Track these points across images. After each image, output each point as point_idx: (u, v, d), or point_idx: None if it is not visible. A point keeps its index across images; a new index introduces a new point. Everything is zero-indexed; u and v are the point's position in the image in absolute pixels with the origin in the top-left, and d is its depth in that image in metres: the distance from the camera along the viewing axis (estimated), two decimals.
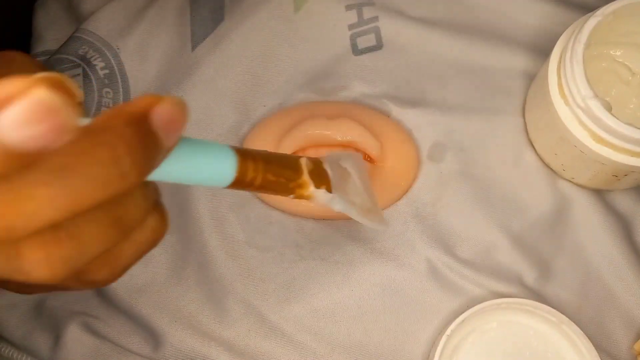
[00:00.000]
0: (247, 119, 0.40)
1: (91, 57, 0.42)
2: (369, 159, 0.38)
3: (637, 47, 0.37)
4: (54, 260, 0.17)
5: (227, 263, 0.37)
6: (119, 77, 0.42)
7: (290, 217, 0.38)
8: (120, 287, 0.37)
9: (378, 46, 0.41)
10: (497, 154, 0.38)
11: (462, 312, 0.34)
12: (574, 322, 0.34)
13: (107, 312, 0.38)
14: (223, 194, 0.39)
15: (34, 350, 0.37)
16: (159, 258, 0.38)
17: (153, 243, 0.22)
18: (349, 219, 0.38)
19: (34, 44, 0.45)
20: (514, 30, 0.41)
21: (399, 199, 0.38)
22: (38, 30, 0.45)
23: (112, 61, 0.42)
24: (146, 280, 0.38)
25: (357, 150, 0.37)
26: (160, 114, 0.18)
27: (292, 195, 0.27)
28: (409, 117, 0.39)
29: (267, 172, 0.25)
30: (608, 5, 0.33)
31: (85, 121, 0.17)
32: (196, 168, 0.21)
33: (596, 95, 0.31)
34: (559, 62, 0.34)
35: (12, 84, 0.15)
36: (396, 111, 0.39)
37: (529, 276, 0.36)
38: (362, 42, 0.41)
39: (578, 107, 0.32)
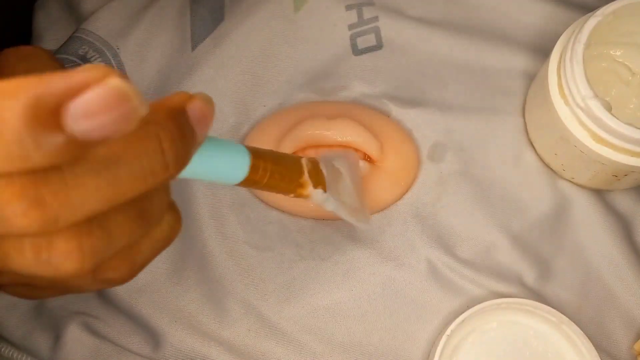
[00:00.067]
0: (247, 119, 0.40)
1: (91, 57, 0.42)
2: (368, 159, 0.38)
3: (637, 47, 0.37)
4: (85, 250, 0.18)
5: (227, 263, 0.37)
6: None
7: (290, 217, 0.38)
8: (120, 287, 0.37)
9: (378, 46, 0.41)
10: (497, 154, 0.38)
11: (462, 312, 0.34)
12: (574, 322, 0.34)
13: (107, 312, 0.38)
14: (223, 194, 0.39)
15: (34, 350, 0.37)
16: (159, 258, 0.38)
17: (169, 240, 0.22)
18: None
19: (34, 44, 0.45)
20: (514, 30, 0.41)
21: (399, 199, 0.38)
22: (38, 30, 0.45)
23: (112, 61, 0.42)
24: (146, 280, 0.38)
25: (357, 150, 0.37)
26: (194, 109, 0.19)
27: (292, 195, 0.28)
28: (409, 117, 0.39)
29: (274, 172, 0.26)
30: (608, 5, 0.33)
31: None
32: (214, 165, 0.22)
33: (596, 95, 0.31)
34: (559, 62, 0.34)
35: (85, 73, 0.15)
36: (396, 111, 0.39)
37: (529, 276, 0.36)
38: (362, 42, 0.41)
39: (578, 107, 0.32)
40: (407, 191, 0.38)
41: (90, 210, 0.17)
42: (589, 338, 0.33)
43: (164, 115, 0.18)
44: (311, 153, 0.37)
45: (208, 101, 0.20)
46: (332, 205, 0.30)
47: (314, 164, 0.30)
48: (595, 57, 0.38)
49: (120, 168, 0.17)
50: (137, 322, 0.37)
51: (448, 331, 0.34)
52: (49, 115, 0.14)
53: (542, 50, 0.39)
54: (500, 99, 0.39)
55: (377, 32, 0.41)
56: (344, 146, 0.37)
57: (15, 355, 0.37)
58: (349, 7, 0.41)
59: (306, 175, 0.28)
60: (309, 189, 0.29)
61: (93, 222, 0.18)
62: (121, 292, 0.37)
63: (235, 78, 0.41)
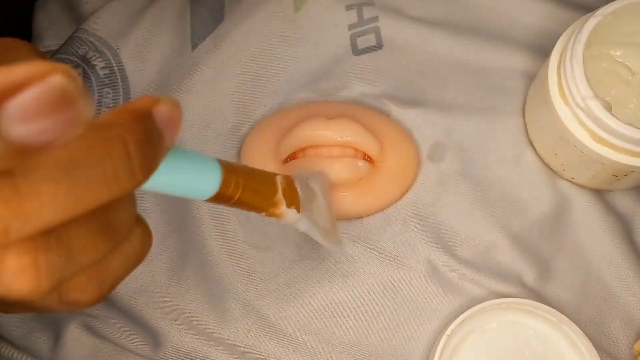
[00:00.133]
0: (247, 119, 0.40)
1: (91, 57, 0.42)
2: (369, 158, 0.38)
3: (637, 47, 0.37)
4: (40, 269, 0.16)
5: (227, 263, 0.37)
6: (119, 77, 0.42)
7: None
8: (120, 287, 0.37)
9: (378, 46, 0.41)
10: (497, 154, 0.38)
11: (462, 312, 0.34)
12: (574, 322, 0.34)
13: (107, 312, 0.38)
14: None
15: (34, 350, 0.37)
16: (159, 258, 0.38)
17: (140, 257, 0.21)
18: (348, 219, 0.38)
19: (34, 44, 0.45)
20: (514, 30, 0.41)
21: (399, 199, 0.38)
22: (38, 30, 0.45)
23: (112, 61, 0.42)
24: (146, 280, 0.38)
25: (357, 150, 0.37)
26: (162, 112, 0.18)
27: (264, 213, 0.27)
28: (409, 117, 0.39)
29: (246, 189, 0.24)
30: (608, 5, 0.33)
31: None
32: (182, 177, 0.21)
33: (596, 95, 0.31)
34: (559, 62, 0.34)
35: (23, 69, 0.13)
36: (396, 111, 0.39)
37: (529, 276, 0.36)
38: (362, 42, 0.41)
39: (578, 107, 0.32)
40: (407, 191, 0.38)
41: (47, 222, 0.15)
42: (589, 338, 0.33)
43: (129, 117, 0.17)
44: (311, 153, 0.37)
45: (175, 105, 0.18)
46: (305, 226, 0.29)
47: (289, 182, 0.29)
48: (595, 57, 0.38)
49: (80, 174, 0.15)
50: (137, 322, 0.37)
51: (448, 331, 0.34)
52: None
53: (542, 50, 0.39)
54: (500, 99, 0.39)
55: (377, 32, 0.41)
56: (344, 146, 0.37)
57: (15, 355, 0.37)
58: (349, 7, 0.41)
59: (280, 194, 0.27)
60: (283, 208, 0.27)
61: (51, 236, 0.16)
62: (121, 292, 0.37)
63: (235, 78, 0.41)
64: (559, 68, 0.34)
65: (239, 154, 0.39)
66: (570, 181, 0.38)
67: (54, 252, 0.16)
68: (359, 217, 0.38)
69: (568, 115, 0.33)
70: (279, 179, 0.28)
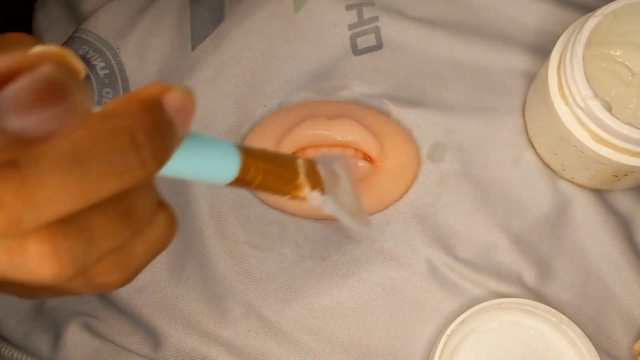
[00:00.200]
0: (247, 119, 0.40)
1: (91, 57, 0.42)
2: (369, 158, 0.38)
3: (637, 47, 0.37)
4: (61, 255, 0.16)
5: (227, 263, 0.37)
6: (119, 77, 0.42)
7: (290, 217, 0.38)
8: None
9: (378, 46, 0.41)
10: (497, 154, 0.38)
11: (462, 312, 0.34)
12: (574, 322, 0.34)
13: (107, 312, 0.38)
14: (223, 194, 0.39)
15: (34, 350, 0.37)
16: (159, 258, 0.38)
17: (165, 242, 0.21)
18: None
19: (41, 40, 0.45)
20: (514, 30, 0.41)
21: (399, 199, 0.38)
22: (38, 30, 0.45)
23: (112, 61, 0.42)
24: (146, 280, 0.38)
25: (357, 150, 0.37)
26: (173, 100, 0.17)
27: (287, 196, 0.27)
28: (409, 117, 0.39)
29: (267, 172, 0.24)
30: (608, 5, 0.33)
31: (95, 107, 0.16)
32: (200, 164, 0.21)
33: (596, 95, 0.31)
34: (559, 62, 0.34)
35: (11, 59, 0.13)
36: (396, 111, 0.39)
37: (529, 276, 0.36)
38: (362, 42, 0.41)
39: (578, 107, 0.32)
40: (407, 191, 0.38)
41: (60, 211, 0.15)
42: (589, 338, 0.33)
43: (137, 106, 0.16)
44: (311, 153, 0.37)
45: (187, 93, 0.18)
46: (331, 208, 0.30)
47: (311, 165, 0.29)
48: (595, 57, 0.38)
49: (89, 164, 0.15)
50: (137, 322, 0.37)
51: (448, 331, 0.34)
52: None
53: (542, 50, 0.39)
54: (500, 99, 0.39)
55: (377, 32, 0.41)
56: (344, 146, 0.37)
57: (15, 355, 0.37)
58: (349, 7, 0.41)
59: (302, 176, 0.27)
60: (306, 191, 0.27)
61: (70, 224, 0.16)
62: (121, 292, 0.37)
63: (235, 78, 0.41)
64: (559, 68, 0.34)
65: None
66: (570, 181, 0.38)
67: (73, 239, 0.16)
68: None
69: (568, 115, 0.33)
70: (300, 162, 0.28)
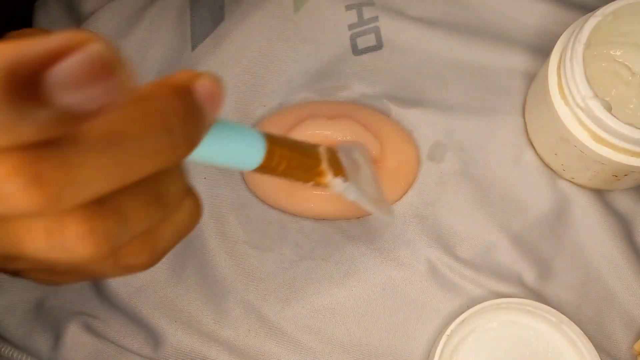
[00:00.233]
0: (247, 119, 0.40)
1: None
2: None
3: (637, 47, 0.37)
4: (99, 235, 0.17)
5: (227, 263, 0.37)
6: None
7: (290, 217, 0.38)
8: (120, 287, 0.37)
9: (378, 46, 0.41)
10: (497, 154, 0.38)
11: (462, 312, 0.34)
12: (574, 322, 0.34)
13: (107, 312, 0.38)
14: (223, 194, 0.39)
15: (34, 350, 0.37)
16: None
17: (191, 226, 0.22)
18: (348, 219, 0.38)
19: None
20: (514, 30, 0.41)
21: (399, 199, 0.38)
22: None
23: None
24: (146, 280, 0.38)
25: None
26: (203, 86, 0.18)
27: (311, 183, 0.28)
28: (409, 117, 0.39)
29: (291, 159, 0.25)
30: (608, 5, 0.33)
31: None
32: (228, 149, 0.21)
33: (596, 95, 0.31)
34: (559, 62, 0.34)
35: (64, 36, 0.13)
36: (396, 111, 0.39)
37: (529, 276, 0.36)
38: (362, 42, 0.41)
39: (578, 107, 0.32)
40: (407, 191, 0.38)
41: (97, 190, 0.16)
42: (589, 338, 0.33)
43: (168, 91, 0.17)
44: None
45: (216, 80, 0.19)
46: (354, 195, 0.29)
47: (332, 153, 0.29)
48: (595, 57, 0.38)
49: (125, 145, 0.16)
50: (137, 322, 0.37)
51: (448, 331, 0.34)
52: (28, 85, 0.13)
53: (542, 50, 0.39)
54: (500, 99, 0.39)
55: (377, 32, 0.41)
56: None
57: (15, 355, 0.37)
58: (349, 7, 0.41)
59: (325, 163, 0.28)
60: (329, 178, 0.28)
61: (106, 205, 0.17)
62: (121, 292, 0.37)
63: (235, 78, 0.41)
64: (559, 68, 0.34)
65: None
66: (570, 181, 0.38)
67: (110, 220, 0.17)
68: (359, 217, 0.38)
69: (568, 115, 0.33)
70: (322, 150, 0.28)
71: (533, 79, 0.38)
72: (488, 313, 0.34)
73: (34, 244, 0.17)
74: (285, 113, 0.39)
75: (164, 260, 0.39)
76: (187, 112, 0.17)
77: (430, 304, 0.36)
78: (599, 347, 0.34)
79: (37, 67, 0.13)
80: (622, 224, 0.38)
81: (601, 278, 0.37)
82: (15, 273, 0.23)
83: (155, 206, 0.19)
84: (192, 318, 0.37)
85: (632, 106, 0.38)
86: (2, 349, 0.37)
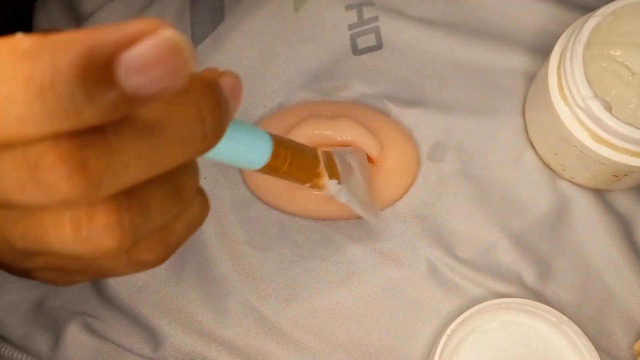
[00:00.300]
0: (247, 119, 0.40)
1: None
2: (369, 159, 0.38)
3: (637, 47, 0.37)
4: (125, 226, 0.17)
5: (227, 263, 0.37)
6: None
7: (290, 217, 0.38)
8: (120, 287, 0.37)
9: (378, 46, 0.41)
10: (497, 154, 0.38)
11: (462, 312, 0.34)
12: (574, 322, 0.34)
13: (107, 312, 0.38)
14: (223, 194, 0.39)
15: (34, 350, 0.37)
16: None
17: (199, 223, 0.22)
18: (348, 219, 0.38)
19: None
20: (514, 30, 0.41)
21: (399, 199, 0.38)
22: (38, 31, 0.45)
23: None
24: (146, 280, 0.38)
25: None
26: (227, 82, 0.19)
27: (308, 184, 0.28)
28: (409, 117, 0.39)
29: (293, 160, 0.25)
30: (608, 5, 0.33)
31: None
32: (238, 147, 0.22)
33: (596, 95, 0.31)
34: (559, 62, 0.34)
35: (137, 23, 0.14)
36: (396, 111, 0.39)
37: (529, 276, 0.36)
38: (362, 42, 0.41)
39: (578, 107, 0.32)
40: (407, 191, 0.38)
41: (132, 178, 0.16)
42: (589, 338, 0.33)
43: (201, 84, 0.18)
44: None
45: (237, 77, 0.20)
46: (346, 197, 0.30)
47: (328, 156, 0.30)
48: (595, 57, 0.38)
49: (162, 134, 0.16)
50: (137, 322, 0.37)
51: (448, 331, 0.34)
52: (101, 69, 0.14)
53: (542, 50, 0.39)
54: (500, 99, 0.39)
55: (377, 32, 0.41)
56: (344, 146, 0.37)
57: (15, 355, 0.37)
58: (349, 7, 0.41)
59: (322, 166, 0.29)
60: (325, 179, 0.29)
61: (132, 197, 0.17)
62: (121, 292, 0.37)
63: None
64: (559, 68, 0.34)
65: None
66: (570, 181, 0.38)
67: (135, 212, 0.17)
68: (358, 217, 0.38)
69: (568, 115, 0.33)
70: (320, 152, 0.29)
71: (533, 79, 0.39)
72: (488, 313, 0.34)
73: (61, 236, 0.17)
74: (285, 113, 0.39)
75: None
76: (217, 104, 0.18)
77: (430, 304, 0.36)
78: (599, 347, 0.34)
79: (111, 53, 0.14)
80: (622, 224, 0.38)
81: (601, 278, 0.37)
82: (26, 272, 0.23)
83: (175, 200, 0.19)
84: (192, 318, 0.37)
85: (632, 106, 0.38)
86: (2, 349, 0.37)
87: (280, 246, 0.38)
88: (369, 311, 0.36)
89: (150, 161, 0.16)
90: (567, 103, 0.33)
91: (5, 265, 0.22)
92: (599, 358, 0.33)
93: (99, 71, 0.13)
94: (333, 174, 0.29)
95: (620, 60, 0.38)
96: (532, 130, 0.38)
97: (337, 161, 0.31)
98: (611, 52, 0.38)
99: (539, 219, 0.37)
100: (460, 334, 0.34)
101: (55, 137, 0.14)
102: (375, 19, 0.41)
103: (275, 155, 0.24)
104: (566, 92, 0.33)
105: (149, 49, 0.14)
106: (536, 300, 0.35)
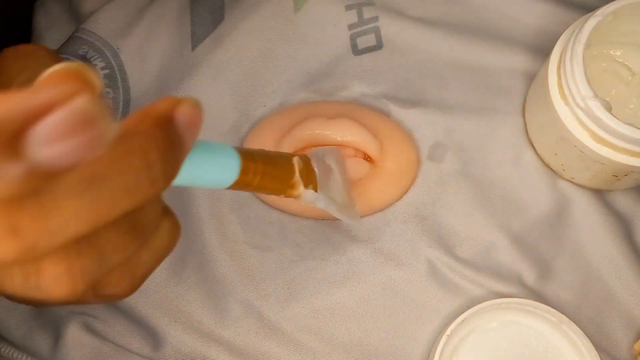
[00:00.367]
0: (247, 119, 0.40)
1: (91, 57, 0.42)
2: (369, 159, 0.38)
3: (637, 47, 0.37)
4: (75, 274, 0.16)
5: (227, 263, 0.37)
6: (119, 77, 0.42)
7: (290, 217, 0.38)
8: None
9: (378, 46, 0.41)
10: (497, 154, 0.38)
11: (462, 312, 0.34)
12: (574, 322, 0.34)
13: (107, 312, 0.38)
14: (223, 194, 0.39)
15: (34, 350, 0.37)
16: None
17: (169, 248, 0.21)
18: None
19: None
20: (514, 30, 0.41)
21: (399, 199, 0.38)
22: (38, 30, 0.45)
23: (112, 61, 0.42)
24: (146, 280, 0.38)
25: (357, 150, 0.37)
26: (183, 115, 0.18)
27: (282, 195, 0.28)
28: (409, 117, 0.39)
29: (264, 174, 0.25)
30: (608, 5, 0.33)
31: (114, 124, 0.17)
32: (203, 171, 0.21)
33: (596, 95, 0.31)
34: (559, 62, 0.34)
35: (48, 92, 0.13)
36: (396, 111, 0.39)
37: (529, 276, 0.36)
38: (362, 42, 0.41)
39: (578, 107, 0.32)
40: (407, 191, 0.38)
41: (72, 234, 0.15)
42: (589, 338, 0.33)
43: (151, 124, 0.17)
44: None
45: (196, 106, 0.18)
46: (323, 204, 0.30)
47: (306, 162, 0.29)
48: (595, 57, 0.38)
49: (103, 187, 0.15)
50: (137, 322, 0.37)
51: (448, 331, 0.34)
52: (6, 143, 0.13)
53: (542, 50, 0.39)
54: (500, 99, 0.39)
55: (377, 32, 0.41)
56: (344, 146, 0.37)
57: (15, 355, 0.37)
58: (349, 7, 0.41)
59: (297, 176, 0.28)
60: (300, 190, 0.28)
61: (82, 243, 0.17)
62: None
63: (235, 78, 0.41)
64: (559, 68, 0.34)
65: None
66: (570, 181, 0.38)
67: (86, 257, 0.17)
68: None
69: (568, 115, 0.33)
70: (296, 161, 0.28)
71: (533, 79, 0.38)
72: (488, 313, 0.34)
73: (12, 285, 0.17)
74: (285, 113, 0.39)
75: (164, 260, 0.39)
76: (168, 144, 0.17)
77: (430, 304, 0.36)
78: (599, 347, 0.34)
79: (18, 127, 0.13)
80: (622, 224, 0.38)
81: (601, 278, 0.37)
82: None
83: (133, 236, 0.18)
84: (192, 318, 0.37)
85: (632, 106, 0.38)
86: (2, 349, 0.37)
87: (280, 246, 0.38)
88: (369, 311, 0.36)
89: (93, 214, 0.15)
90: (567, 103, 0.33)
91: None
92: (599, 358, 0.33)
93: (3, 147, 0.13)
94: (310, 180, 0.29)
95: (620, 60, 0.38)
96: (532, 130, 0.38)
97: (314, 165, 0.30)
98: (611, 52, 0.38)
99: (539, 219, 0.37)
100: (460, 334, 0.34)
101: None
102: (375, 19, 0.41)
103: (244, 171, 0.23)
104: (566, 92, 0.33)
105: (59, 121, 0.13)
106: (536, 300, 0.35)
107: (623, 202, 0.38)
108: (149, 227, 0.19)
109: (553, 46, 0.35)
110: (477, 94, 0.40)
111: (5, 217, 0.14)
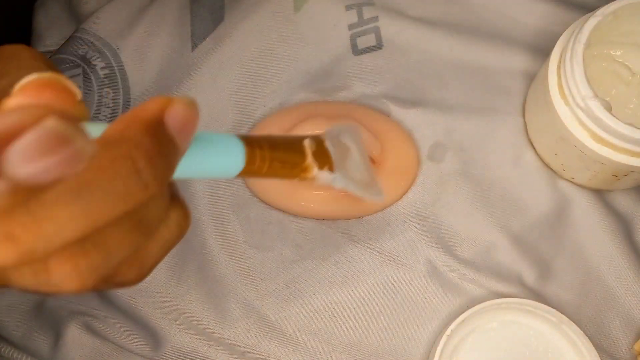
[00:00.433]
0: (247, 119, 0.40)
1: (91, 57, 0.42)
2: (369, 159, 0.38)
3: (637, 47, 0.37)
4: (82, 270, 0.17)
5: (227, 263, 0.37)
6: (119, 77, 0.42)
7: (290, 217, 0.38)
8: None
9: (378, 46, 0.41)
10: (497, 154, 0.38)
11: (462, 312, 0.34)
12: (574, 322, 0.34)
13: (107, 312, 0.38)
14: (223, 194, 0.39)
15: (34, 350, 0.37)
16: None
17: (179, 237, 0.22)
18: (348, 219, 0.38)
19: (34, 44, 0.45)
20: (514, 30, 0.41)
21: (399, 199, 0.38)
22: (38, 30, 0.45)
23: (112, 61, 0.42)
24: (146, 280, 0.37)
25: None
26: (175, 116, 0.17)
27: (296, 179, 0.27)
28: (409, 117, 0.39)
29: (273, 160, 0.24)
30: (608, 5, 0.33)
31: (99, 130, 0.17)
32: (206, 162, 0.21)
33: (596, 95, 0.31)
34: (559, 62, 0.34)
35: (16, 116, 0.14)
36: (396, 111, 0.39)
37: (529, 276, 0.36)
38: (362, 42, 0.41)
39: (578, 107, 0.32)
40: (407, 191, 0.38)
41: (70, 237, 0.16)
42: (589, 338, 0.33)
43: (138, 129, 0.17)
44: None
45: (190, 105, 0.18)
46: (341, 184, 0.29)
47: (319, 144, 0.28)
48: (595, 57, 0.38)
49: (92, 194, 0.16)
50: (137, 322, 0.37)
51: (448, 331, 0.34)
52: None
53: (542, 50, 0.39)
54: (500, 99, 0.39)
55: (377, 32, 0.41)
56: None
57: (15, 355, 0.37)
58: (349, 7, 0.41)
59: (309, 158, 0.27)
60: (314, 172, 0.27)
61: (86, 242, 0.17)
62: (121, 292, 0.37)
63: (235, 78, 0.41)
64: (559, 68, 0.34)
65: None
66: (570, 181, 0.38)
67: (92, 255, 0.17)
68: (358, 217, 0.38)
69: (568, 115, 0.33)
70: (307, 143, 0.28)
71: (533, 79, 0.38)
72: (488, 313, 0.34)
73: (23, 282, 0.17)
74: (285, 113, 0.39)
75: (164, 260, 0.39)
76: (158, 150, 0.17)
77: (430, 304, 0.36)
78: (599, 347, 0.34)
79: None
80: (622, 224, 0.38)
81: (601, 278, 0.37)
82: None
83: (138, 232, 0.18)
84: (192, 318, 0.37)
85: (632, 106, 0.38)
86: (2, 349, 0.37)
87: (280, 246, 0.38)
88: (369, 311, 0.36)
89: (86, 220, 0.16)
90: (567, 103, 0.33)
91: None
92: (599, 358, 0.33)
93: None
94: (324, 162, 0.28)
95: (620, 60, 0.38)
96: (532, 130, 0.38)
97: (330, 145, 0.29)
98: (611, 52, 0.38)
99: (539, 219, 0.37)
100: (460, 334, 0.34)
101: None
102: (375, 19, 0.41)
103: (250, 159, 0.23)
104: (566, 92, 0.33)
105: (32, 141, 0.14)
106: (536, 300, 0.35)
107: (623, 202, 0.38)
108: (154, 222, 0.19)
109: (553, 46, 0.35)
110: (477, 94, 0.40)
111: (1, 226, 0.15)
